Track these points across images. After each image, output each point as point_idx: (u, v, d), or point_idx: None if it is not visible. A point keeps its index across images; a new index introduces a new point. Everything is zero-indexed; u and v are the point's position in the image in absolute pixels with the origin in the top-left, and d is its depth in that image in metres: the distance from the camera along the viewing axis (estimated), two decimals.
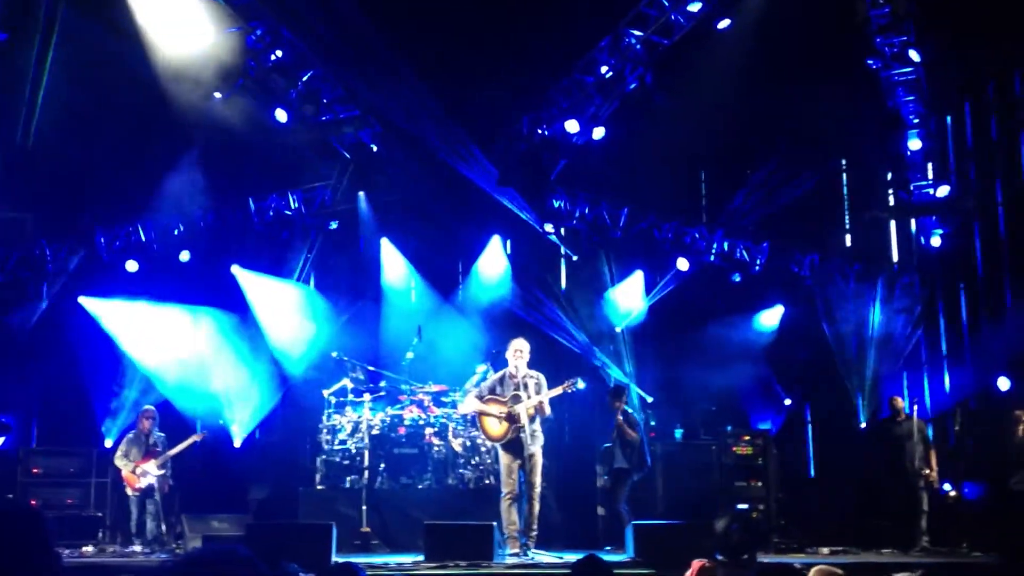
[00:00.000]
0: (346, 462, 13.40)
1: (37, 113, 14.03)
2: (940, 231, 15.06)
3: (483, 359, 13.70)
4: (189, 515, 12.70)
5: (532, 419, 10.59)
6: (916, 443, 12.68)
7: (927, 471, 12.62)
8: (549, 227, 15.74)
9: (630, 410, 13.41)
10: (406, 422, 13.51)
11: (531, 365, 10.88)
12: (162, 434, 12.89)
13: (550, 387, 10.74)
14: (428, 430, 13.46)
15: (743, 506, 13.23)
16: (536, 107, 14.94)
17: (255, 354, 15.50)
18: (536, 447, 10.61)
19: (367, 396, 13.55)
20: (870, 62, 13.87)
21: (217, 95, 14.37)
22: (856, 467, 14.39)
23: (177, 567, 2.96)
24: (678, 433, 14.77)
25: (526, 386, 10.65)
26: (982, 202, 15.47)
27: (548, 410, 10.70)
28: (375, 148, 15.53)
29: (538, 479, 10.64)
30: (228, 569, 2.80)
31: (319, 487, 13.45)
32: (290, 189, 15.82)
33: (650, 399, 14.95)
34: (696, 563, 5.81)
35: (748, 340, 15.51)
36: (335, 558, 9.73)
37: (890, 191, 15.26)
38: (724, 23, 14.17)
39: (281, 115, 14.50)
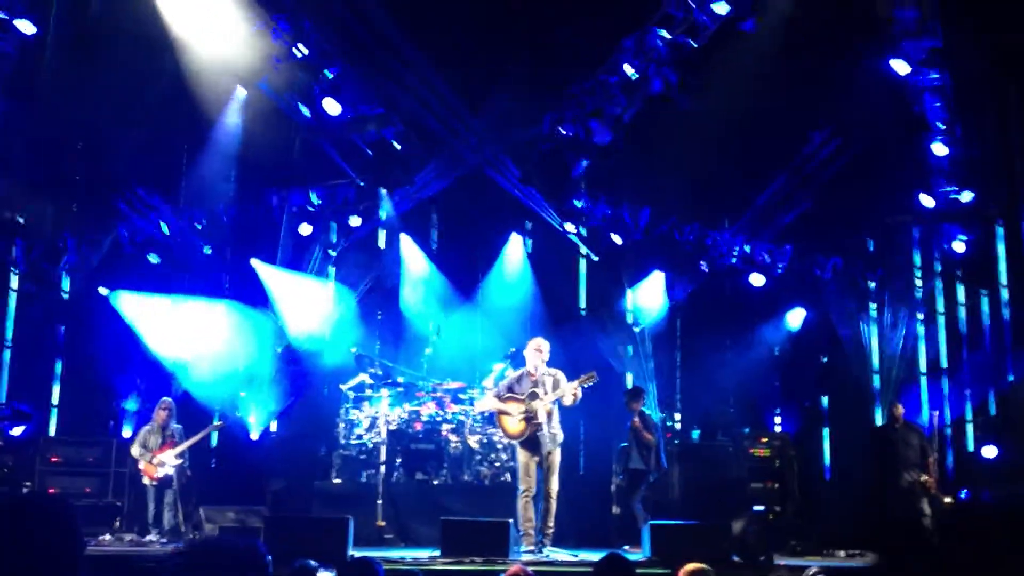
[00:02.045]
0: (363, 457, 13.44)
1: (62, 107, 14.15)
2: (964, 237, 14.96)
3: (501, 357, 13.69)
4: (207, 506, 12.74)
5: (550, 417, 10.57)
6: (912, 450, 12.57)
7: (925, 478, 12.49)
8: (570, 226, 15.71)
9: (647, 412, 13.38)
10: (423, 418, 13.53)
11: (550, 364, 10.86)
12: (179, 425, 12.92)
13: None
14: (445, 426, 13.48)
15: (759, 508, 13.17)
16: (559, 106, 14.92)
17: (274, 348, 15.55)
18: (554, 445, 10.58)
19: (385, 391, 13.58)
20: (896, 66, 13.77)
21: (241, 90, 14.43)
22: (871, 471, 14.32)
23: (192, 555, 2.99)
24: (695, 434, 14.73)
25: (544, 384, 10.64)
26: (1006, 208, 15.35)
27: (569, 401, 10.59)
28: (397, 146, 15.55)
29: (555, 477, 10.60)
30: (233, 563, 2.83)
31: (335, 481, 13.48)
32: (312, 185, 15.86)
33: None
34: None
35: (768, 342, 15.46)
36: (351, 552, 9.77)
37: (914, 196, 15.15)
38: (748, 24, 14.09)
39: (304, 111, 14.54)
